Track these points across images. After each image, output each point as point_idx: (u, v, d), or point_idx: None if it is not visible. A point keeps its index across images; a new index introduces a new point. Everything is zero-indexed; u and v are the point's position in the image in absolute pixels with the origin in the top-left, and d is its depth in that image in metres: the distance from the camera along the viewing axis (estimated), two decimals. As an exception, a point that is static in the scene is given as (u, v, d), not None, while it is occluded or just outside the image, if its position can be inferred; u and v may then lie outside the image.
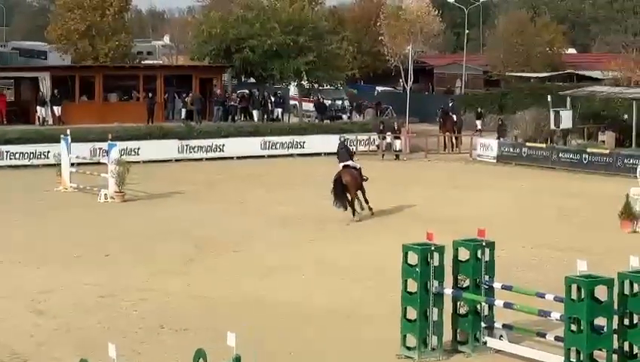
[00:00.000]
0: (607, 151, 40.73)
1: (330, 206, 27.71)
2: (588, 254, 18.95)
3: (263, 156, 44.34)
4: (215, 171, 39.22)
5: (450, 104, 52.19)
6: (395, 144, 45.95)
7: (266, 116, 52.85)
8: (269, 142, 45.23)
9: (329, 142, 43.71)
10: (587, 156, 40.30)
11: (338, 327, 16.93)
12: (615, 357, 13.63)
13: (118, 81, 52.16)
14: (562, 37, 70.72)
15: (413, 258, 15.06)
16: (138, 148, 41.54)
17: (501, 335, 15.39)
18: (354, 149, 33.02)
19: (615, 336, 13.68)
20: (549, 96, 44.87)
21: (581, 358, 13.32)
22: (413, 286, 15.06)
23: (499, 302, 15.15)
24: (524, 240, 24.43)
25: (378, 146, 46.43)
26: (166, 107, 51.42)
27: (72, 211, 29.50)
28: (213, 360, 10.77)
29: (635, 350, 13.72)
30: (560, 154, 41.45)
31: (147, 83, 51.50)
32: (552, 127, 44.24)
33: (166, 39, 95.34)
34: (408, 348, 15.13)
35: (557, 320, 14.22)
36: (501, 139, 45.76)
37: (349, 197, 27.76)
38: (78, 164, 34.67)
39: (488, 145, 44.69)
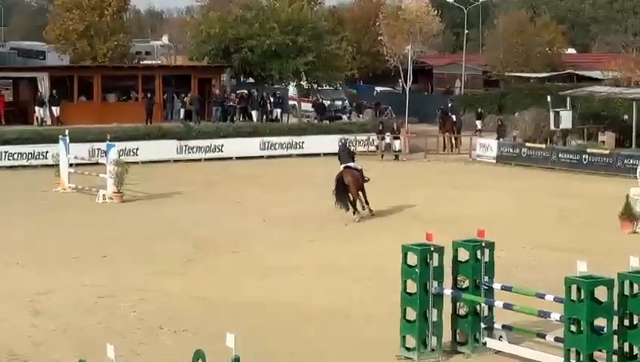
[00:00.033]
0: (607, 152, 40.69)
1: (329, 206, 27.69)
2: (588, 255, 18.90)
3: (261, 156, 44.31)
4: (214, 171, 39.18)
5: (450, 104, 52.16)
6: (394, 144, 45.89)
7: (264, 116, 52.83)
8: (268, 142, 45.19)
9: (328, 143, 43.78)
10: (587, 156, 40.26)
11: (338, 327, 16.91)
12: (615, 357, 13.61)
13: (116, 82, 52.13)
14: (562, 37, 70.70)
15: (412, 258, 15.03)
16: (137, 149, 41.50)
17: (501, 336, 15.36)
18: (354, 150, 32.97)
19: (615, 337, 13.65)
20: (548, 97, 44.84)
21: (581, 359, 13.29)
22: (412, 286, 15.02)
23: (498, 303, 15.13)
24: (524, 241, 24.39)
25: (377, 147, 46.38)
26: (165, 107, 51.38)
27: (70, 212, 29.46)
28: (213, 361, 10.73)
29: (635, 351, 13.70)
30: (560, 155, 41.41)
31: (146, 83, 51.47)
32: (552, 127, 44.20)
33: (165, 39, 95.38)
34: (408, 349, 15.10)
35: (557, 320, 14.18)
36: (501, 139, 45.72)
37: (351, 198, 27.75)
38: (77, 165, 34.62)
39: (488, 146, 44.65)
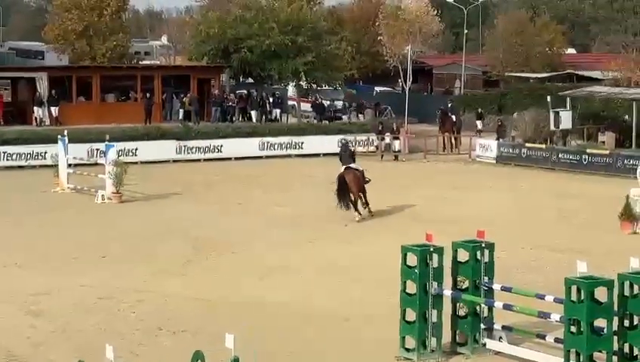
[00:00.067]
0: (607, 152, 40.66)
1: (329, 206, 27.68)
2: (588, 255, 18.88)
3: (261, 157, 44.26)
4: (213, 172, 39.14)
5: (450, 104, 52.13)
6: (394, 145, 45.84)
7: (264, 117, 52.83)
8: (267, 142, 45.14)
9: (327, 143, 43.83)
10: (587, 157, 40.22)
11: (338, 327, 16.89)
12: (615, 358, 13.58)
13: (115, 82, 52.13)
14: (562, 37, 70.67)
15: (412, 259, 14.99)
16: (136, 149, 41.45)
17: (500, 337, 15.32)
18: (354, 150, 32.95)
19: (615, 338, 13.62)
20: (548, 97, 44.82)
21: (581, 360, 13.27)
22: (412, 287, 14.99)
23: (498, 304, 15.09)
24: (524, 242, 24.37)
25: (377, 147, 46.34)
26: (164, 107, 51.37)
27: (69, 212, 29.42)
28: (212, 361, 10.71)
29: (636, 351, 13.67)
30: (559, 155, 41.37)
31: (145, 83, 51.46)
32: (552, 127, 44.19)
33: (164, 39, 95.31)
34: (407, 350, 15.07)
35: (557, 321, 14.14)
36: (500, 139, 45.69)
37: (352, 198, 27.73)
38: (76, 165, 34.55)
39: (487, 146, 44.62)
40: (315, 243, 24.66)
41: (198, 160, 43.17)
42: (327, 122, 51.89)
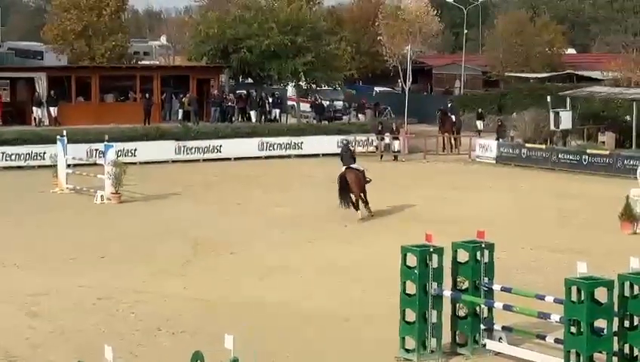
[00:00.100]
0: (607, 152, 40.63)
1: (329, 206, 27.67)
2: (588, 256, 18.87)
3: (260, 157, 44.23)
4: (212, 172, 39.12)
5: (449, 105, 52.11)
6: (393, 145, 45.80)
7: (263, 117, 52.83)
8: (267, 143, 45.10)
9: (327, 143, 43.82)
10: (587, 157, 40.20)
11: (338, 328, 16.87)
12: (615, 359, 13.55)
13: (114, 82, 52.14)
14: (562, 37, 70.69)
15: (412, 259, 14.96)
16: (135, 150, 41.42)
17: (500, 338, 15.29)
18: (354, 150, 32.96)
19: (615, 338, 13.59)
20: (548, 97, 44.82)
21: (581, 360, 13.23)
22: (411, 288, 14.96)
23: (498, 304, 15.06)
24: (524, 242, 24.34)
25: (377, 147, 46.31)
26: (163, 108, 51.38)
27: (68, 212, 29.39)
28: (211, 362, 10.67)
29: (636, 352, 13.64)
30: (559, 155, 41.35)
31: (144, 83, 51.46)
32: (552, 127, 44.18)
33: (163, 39, 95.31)
34: (407, 350, 15.03)
35: (557, 322, 14.11)
36: (500, 140, 45.67)
37: (353, 198, 27.72)
38: (75, 165, 34.53)
39: (487, 146, 44.59)
40: (314, 243, 24.64)
41: (198, 160, 43.13)
42: (326, 122, 51.88)
